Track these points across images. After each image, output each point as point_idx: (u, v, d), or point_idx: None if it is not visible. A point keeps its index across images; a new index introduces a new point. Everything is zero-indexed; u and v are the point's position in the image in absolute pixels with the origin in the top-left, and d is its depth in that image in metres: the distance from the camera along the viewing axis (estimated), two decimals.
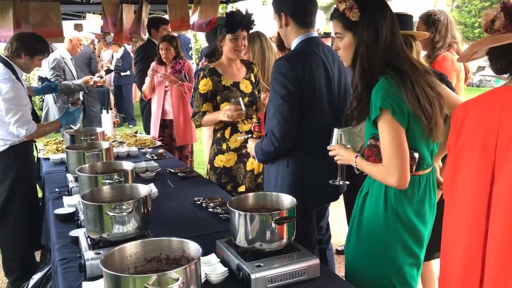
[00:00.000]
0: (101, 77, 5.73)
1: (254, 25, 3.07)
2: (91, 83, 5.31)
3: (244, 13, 2.99)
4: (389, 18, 1.82)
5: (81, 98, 5.37)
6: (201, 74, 3.08)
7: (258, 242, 1.70)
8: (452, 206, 1.67)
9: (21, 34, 3.41)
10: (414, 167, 1.84)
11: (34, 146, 3.62)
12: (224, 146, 3.08)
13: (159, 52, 4.47)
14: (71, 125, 4.38)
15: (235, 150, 3.07)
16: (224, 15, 3.10)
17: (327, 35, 6.78)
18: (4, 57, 3.24)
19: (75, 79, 5.32)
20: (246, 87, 3.09)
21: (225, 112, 2.90)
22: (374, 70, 1.80)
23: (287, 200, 1.85)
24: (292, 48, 2.33)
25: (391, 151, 1.76)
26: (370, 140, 1.88)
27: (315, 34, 2.36)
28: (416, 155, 1.83)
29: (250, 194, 1.92)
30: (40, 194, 3.74)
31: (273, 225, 1.68)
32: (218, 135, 3.11)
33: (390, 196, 1.87)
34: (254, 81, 3.17)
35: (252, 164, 3.11)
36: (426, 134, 1.82)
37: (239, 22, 2.96)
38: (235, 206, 1.78)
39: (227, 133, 3.07)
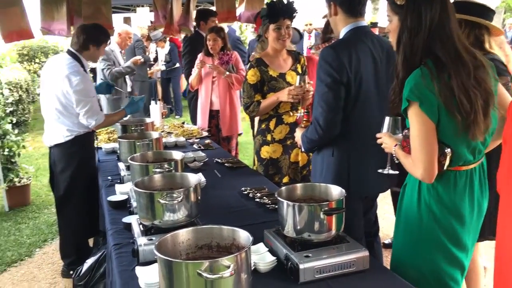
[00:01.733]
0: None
1: (297, 12, 3.05)
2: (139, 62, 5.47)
3: (285, 1, 2.98)
4: (438, 5, 1.75)
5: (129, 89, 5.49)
6: (249, 65, 3.10)
7: (306, 233, 1.70)
8: (509, 199, 1.61)
9: (85, 26, 3.51)
10: (446, 163, 1.78)
11: (94, 136, 3.76)
12: (268, 137, 3.10)
13: (207, 43, 4.52)
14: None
15: (280, 142, 3.09)
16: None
17: (374, 25, 6.62)
18: (73, 51, 3.37)
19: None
20: (292, 78, 3.08)
21: (289, 92, 2.90)
22: (416, 57, 1.77)
23: (335, 191, 1.85)
24: (340, 37, 2.31)
25: (418, 143, 1.74)
26: (405, 131, 1.86)
27: (364, 23, 2.33)
28: (448, 150, 1.77)
29: (299, 185, 1.92)
30: None
31: (322, 216, 1.68)
32: (263, 126, 3.13)
33: (423, 190, 1.85)
34: (300, 72, 3.16)
35: (297, 156, 3.11)
36: (462, 131, 1.75)
37: (281, 11, 2.96)
38: (283, 197, 1.80)
39: (271, 124, 3.08)
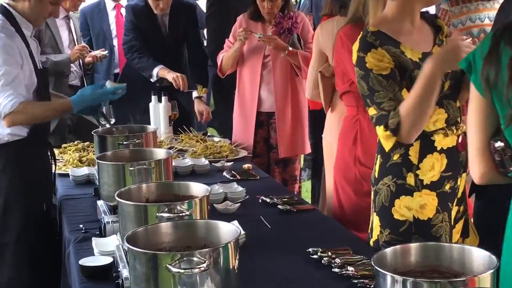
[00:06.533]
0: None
1: None
2: (89, 59, 5.64)
3: None
4: None
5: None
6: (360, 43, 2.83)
7: None
8: None
9: None
10: None
11: (48, 151, 3.86)
12: (410, 180, 2.78)
13: (256, 2, 4.61)
14: (100, 120, 4.57)
15: (433, 187, 2.77)
16: None
17: None
18: (4, 4, 3.54)
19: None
20: None
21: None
22: None
23: (478, 256, 1.81)
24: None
25: None
26: None
27: None
28: None
29: (412, 246, 1.92)
30: None
31: None
32: (395, 157, 2.81)
33: None
34: None
35: (461, 212, 2.92)
36: None
37: None
38: (387, 266, 1.78)
39: (413, 152, 2.80)
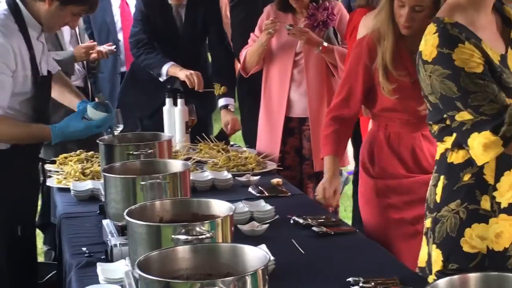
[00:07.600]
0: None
1: None
2: (94, 55, 5.64)
3: None
4: None
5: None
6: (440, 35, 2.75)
7: None
8: None
9: None
10: None
11: (38, 164, 3.88)
12: (485, 204, 2.72)
13: None
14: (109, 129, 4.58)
15: (511, 211, 2.71)
16: None
17: None
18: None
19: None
20: None
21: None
22: None
23: None
24: None
25: None
26: None
27: None
28: None
29: (471, 276, 1.89)
30: (43, 257, 3.93)
31: None
32: (466, 177, 2.76)
33: None
34: None
35: None
36: None
37: None
38: None
39: (489, 171, 2.71)
